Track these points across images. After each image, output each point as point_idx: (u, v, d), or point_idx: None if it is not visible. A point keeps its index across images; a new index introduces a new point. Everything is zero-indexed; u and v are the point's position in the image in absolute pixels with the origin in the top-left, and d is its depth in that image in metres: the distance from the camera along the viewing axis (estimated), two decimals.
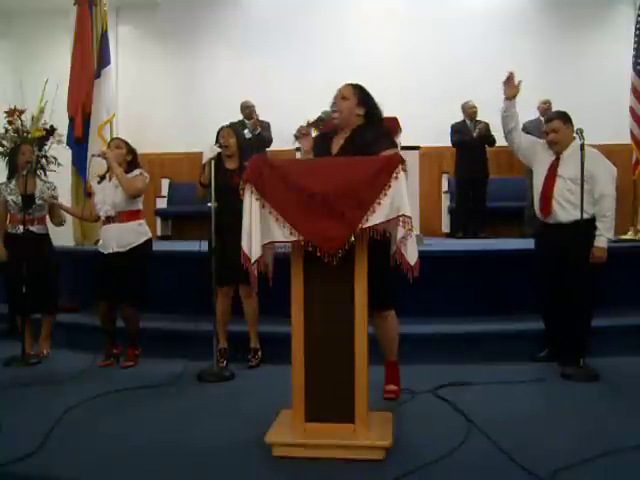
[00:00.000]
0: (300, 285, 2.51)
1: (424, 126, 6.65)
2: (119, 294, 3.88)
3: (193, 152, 7.16)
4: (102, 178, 4.03)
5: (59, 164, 6.03)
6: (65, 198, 4.86)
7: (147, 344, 4.07)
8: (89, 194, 5.40)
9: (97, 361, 3.99)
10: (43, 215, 4.24)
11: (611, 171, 3.63)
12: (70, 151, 6.13)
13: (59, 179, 4.53)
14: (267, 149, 6.68)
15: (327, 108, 3.03)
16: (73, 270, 4.86)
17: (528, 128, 6.54)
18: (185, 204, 7.36)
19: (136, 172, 3.98)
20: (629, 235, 5.43)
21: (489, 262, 4.53)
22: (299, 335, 2.51)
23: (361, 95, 2.98)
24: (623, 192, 6.07)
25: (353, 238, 2.38)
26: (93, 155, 4.03)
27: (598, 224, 3.54)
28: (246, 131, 6.48)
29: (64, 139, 6.13)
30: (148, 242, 4.02)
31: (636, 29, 5.66)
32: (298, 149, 5.03)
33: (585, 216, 3.49)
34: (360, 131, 2.93)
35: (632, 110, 5.59)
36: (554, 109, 3.86)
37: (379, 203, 2.38)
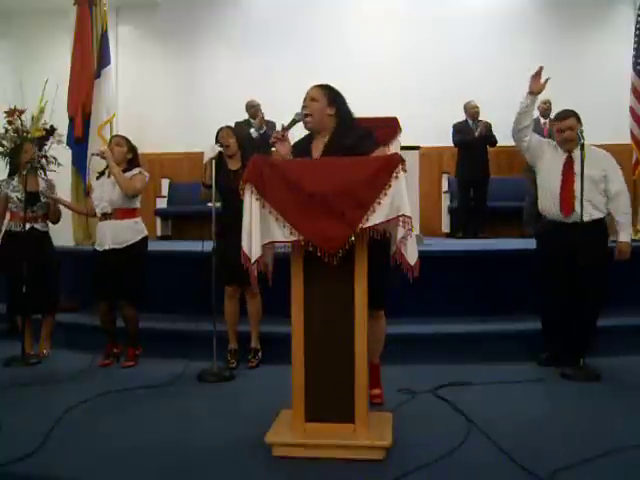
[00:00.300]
0: (300, 285, 2.51)
1: (424, 126, 6.64)
2: (117, 292, 3.88)
3: (193, 152, 7.17)
4: (101, 174, 4.02)
5: (59, 164, 6.02)
6: (65, 198, 4.84)
7: (147, 344, 4.07)
8: (88, 193, 5.41)
9: (97, 361, 3.99)
10: (45, 213, 4.24)
11: (620, 169, 3.68)
12: (70, 151, 6.12)
13: (59, 179, 4.53)
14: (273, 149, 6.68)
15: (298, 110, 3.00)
16: (73, 270, 4.86)
17: None
18: (185, 204, 7.36)
19: (135, 171, 3.98)
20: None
21: (489, 262, 4.53)
22: (299, 335, 2.51)
23: (330, 95, 2.94)
24: None
25: (353, 238, 2.38)
26: (93, 154, 4.03)
27: (620, 220, 3.60)
28: (252, 130, 6.48)
29: (64, 139, 6.12)
30: (144, 240, 4.01)
31: (636, 29, 5.66)
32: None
33: (600, 215, 3.57)
34: (339, 135, 2.87)
35: (632, 110, 5.59)
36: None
37: (379, 203, 2.38)
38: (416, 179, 5.37)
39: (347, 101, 2.99)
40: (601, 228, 3.63)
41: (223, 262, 3.65)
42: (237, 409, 3.10)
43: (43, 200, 4.19)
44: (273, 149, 2.97)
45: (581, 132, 3.51)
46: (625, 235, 3.61)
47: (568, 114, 3.71)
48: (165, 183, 8.05)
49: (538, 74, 3.61)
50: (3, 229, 4.29)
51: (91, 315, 4.19)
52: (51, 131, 6.09)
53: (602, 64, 7.22)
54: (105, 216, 3.91)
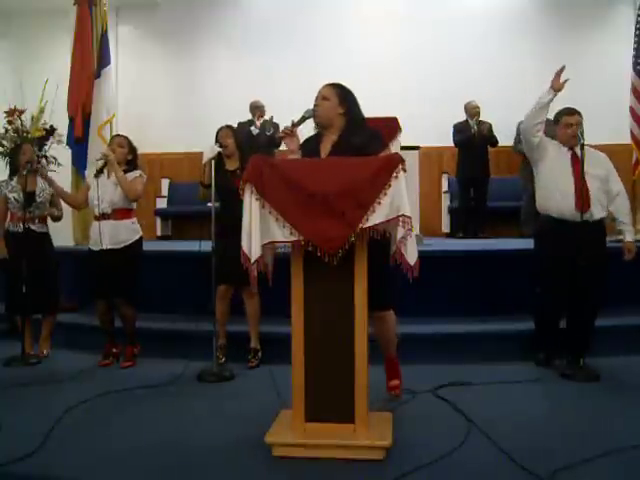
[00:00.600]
0: (300, 285, 2.51)
1: (424, 126, 6.64)
2: (114, 291, 3.89)
3: (193, 152, 7.17)
4: (99, 172, 4.00)
5: (59, 164, 6.03)
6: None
7: (147, 344, 4.08)
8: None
9: (97, 361, 3.99)
10: (44, 214, 4.24)
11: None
12: (70, 151, 6.13)
13: (59, 179, 4.52)
14: (277, 149, 6.70)
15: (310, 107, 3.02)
16: (72, 270, 4.86)
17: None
18: (185, 204, 7.36)
19: (136, 173, 3.99)
20: None
21: (489, 262, 4.53)
22: (299, 335, 2.51)
23: (342, 94, 2.96)
24: None
25: (353, 238, 2.38)
26: (97, 159, 4.01)
27: (625, 219, 3.65)
28: (252, 127, 6.49)
29: (64, 139, 6.13)
30: (140, 241, 4.03)
31: (636, 29, 5.66)
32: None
33: (604, 214, 3.61)
34: (348, 134, 2.90)
35: (632, 110, 5.59)
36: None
37: (379, 203, 2.38)
38: (416, 179, 5.37)
39: (358, 101, 3.01)
40: (603, 227, 3.66)
41: (220, 261, 3.65)
42: (237, 409, 3.09)
43: (39, 200, 4.19)
44: (283, 146, 2.97)
45: (581, 132, 3.51)
46: (631, 234, 3.67)
47: (575, 110, 3.71)
48: (165, 183, 8.05)
49: (560, 72, 3.58)
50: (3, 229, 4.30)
51: (91, 315, 4.19)
52: (51, 131, 6.10)
53: (602, 64, 7.22)
54: (103, 216, 3.91)
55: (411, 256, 2.48)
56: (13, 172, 4.32)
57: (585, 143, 3.51)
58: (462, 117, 6.95)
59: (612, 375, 3.48)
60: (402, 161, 2.43)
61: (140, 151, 4.24)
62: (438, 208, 7.41)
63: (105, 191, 3.91)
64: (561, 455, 2.37)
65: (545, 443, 2.52)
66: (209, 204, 3.77)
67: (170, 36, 8.21)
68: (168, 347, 4.10)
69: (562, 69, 3.58)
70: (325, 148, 2.93)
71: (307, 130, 3.07)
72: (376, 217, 2.37)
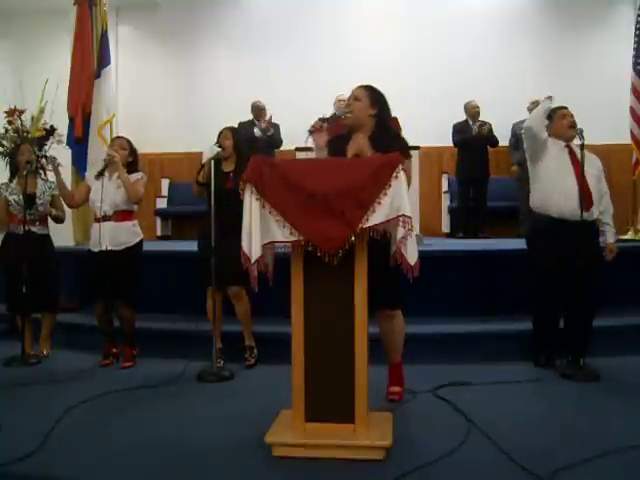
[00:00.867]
0: (300, 285, 2.51)
1: (424, 126, 6.64)
2: (113, 293, 3.89)
3: (193, 152, 7.18)
4: (100, 174, 4.01)
5: (59, 164, 6.02)
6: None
7: (147, 344, 4.08)
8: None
9: (97, 361, 3.99)
10: (44, 215, 4.24)
11: None
12: (70, 151, 6.13)
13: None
14: (277, 150, 6.71)
15: (332, 106, 3.05)
16: (72, 270, 4.85)
17: (517, 127, 6.55)
18: (185, 204, 7.35)
19: (138, 175, 3.99)
20: (629, 235, 5.44)
21: (489, 262, 4.53)
22: (299, 335, 2.51)
23: (373, 96, 3.01)
24: (623, 192, 6.08)
25: (353, 238, 2.38)
26: (103, 159, 4.00)
27: (609, 221, 3.70)
28: (256, 129, 6.49)
29: (64, 139, 6.13)
30: (140, 243, 4.03)
31: (636, 29, 5.67)
32: (300, 149, 5.04)
33: (596, 214, 3.63)
34: (376, 136, 2.93)
35: (632, 110, 5.59)
36: (567, 107, 3.83)
37: (379, 203, 2.38)
38: (416, 179, 5.37)
39: (388, 103, 3.04)
40: (597, 227, 3.68)
41: (205, 263, 3.66)
42: (237, 409, 3.09)
43: (39, 202, 4.19)
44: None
45: (581, 132, 3.51)
46: (613, 236, 3.74)
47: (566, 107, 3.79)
48: (165, 183, 8.06)
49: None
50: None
51: (91, 315, 4.19)
52: (51, 131, 6.10)
53: (602, 64, 7.23)
54: (104, 218, 3.91)
55: (411, 256, 2.48)
56: (13, 174, 4.33)
57: (585, 143, 3.51)
58: (462, 117, 6.96)
59: (612, 375, 3.48)
60: (403, 160, 2.43)
61: (140, 151, 4.24)
62: (438, 208, 7.41)
63: (107, 193, 3.90)
64: (561, 455, 2.37)
65: (545, 443, 2.52)
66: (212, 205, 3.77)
67: (170, 36, 8.21)
68: (168, 347, 4.10)
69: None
70: (351, 150, 2.96)
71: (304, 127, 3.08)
72: (376, 217, 2.38)
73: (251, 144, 5.85)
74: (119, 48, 8.13)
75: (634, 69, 5.59)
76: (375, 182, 2.39)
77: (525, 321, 3.85)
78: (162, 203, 7.91)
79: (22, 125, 6.20)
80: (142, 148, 4.35)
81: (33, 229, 4.16)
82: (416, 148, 5.43)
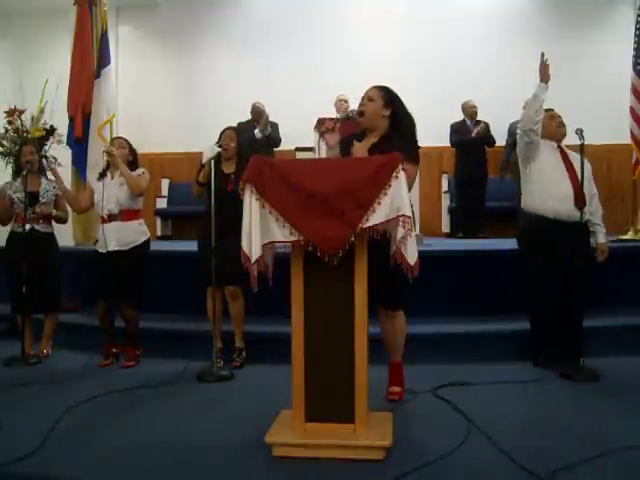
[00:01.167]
0: (300, 285, 2.51)
1: (424, 126, 6.57)
2: (119, 293, 3.88)
3: (193, 152, 7.16)
4: (102, 175, 4.02)
5: (59, 164, 6.03)
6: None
7: (147, 344, 4.08)
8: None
9: (97, 361, 3.99)
10: (48, 214, 4.24)
11: None
12: (70, 151, 6.13)
13: None
14: (275, 149, 6.70)
15: (331, 107, 3.06)
16: (73, 270, 4.86)
17: (513, 127, 6.54)
18: (185, 204, 7.36)
19: (139, 171, 4.01)
20: (629, 235, 5.44)
21: (489, 262, 4.53)
22: (299, 335, 2.51)
23: (387, 97, 3.00)
24: (623, 192, 6.08)
25: (353, 238, 2.38)
26: (103, 151, 4.01)
27: (599, 221, 3.71)
28: (256, 131, 6.49)
29: (64, 139, 6.14)
30: (147, 242, 4.03)
31: (636, 29, 5.66)
32: (300, 149, 5.06)
33: (588, 215, 3.62)
34: (388, 139, 2.93)
35: (632, 110, 5.59)
36: (555, 109, 3.86)
37: (379, 203, 2.38)
38: (416, 179, 5.35)
39: (404, 104, 3.03)
40: (588, 228, 3.69)
41: (205, 263, 3.66)
42: (237, 409, 3.09)
43: (42, 201, 4.20)
44: (281, 146, 3.00)
45: (581, 132, 3.51)
46: (604, 236, 3.75)
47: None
48: (165, 183, 8.06)
49: (546, 64, 3.71)
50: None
51: (91, 315, 4.19)
52: (51, 131, 6.11)
53: (602, 64, 7.23)
54: (110, 218, 3.91)
55: (411, 256, 2.48)
56: (17, 173, 4.37)
57: (585, 143, 3.51)
58: (461, 117, 6.95)
59: (611, 375, 3.48)
60: (402, 161, 2.43)
61: (140, 151, 4.24)
62: (438, 208, 7.41)
63: (111, 192, 3.90)
64: (561, 455, 2.37)
65: (545, 443, 2.52)
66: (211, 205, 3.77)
67: (170, 36, 8.21)
68: (168, 347, 4.10)
69: (543, 55, 3.68)
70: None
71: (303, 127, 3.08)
72: (376, 217, 2.37)
73: (251, 145, 5.84)
74: (119, 48, 8.13)
75: (634, 69, 5.59)
76: (375, 182, 2.39)
77: (524, 321, 3.85)
78: (162, 203, 7.92)
79: (22, 125, 6.22)
80: (142, 148, 4.36)
81: (37, 227, 4.17)
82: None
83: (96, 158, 4.12)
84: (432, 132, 6.84)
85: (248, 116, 6.81)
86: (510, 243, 5.15)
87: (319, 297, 2.50)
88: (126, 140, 4.12)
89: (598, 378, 3.44)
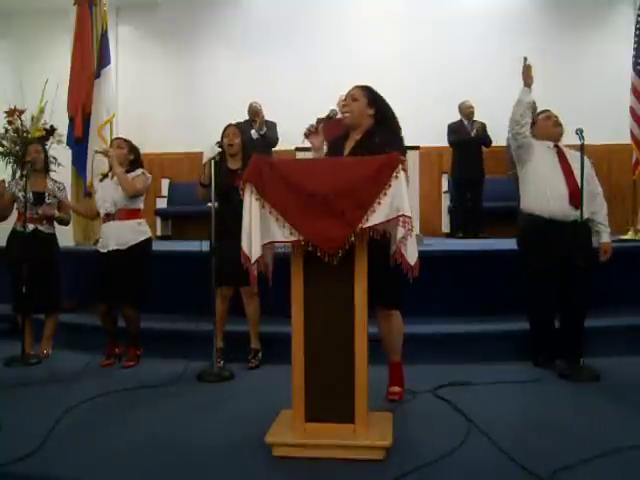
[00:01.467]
0: (300, 285, 2.51)
1: (424, 126, 6.64)
2: (118, 294, 3.88)
3: (193, 152, 7.18)
4: (104, 176, 4.04)
5: (59, 164, 6.03)
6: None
7: (147, 344, 4.07)
8: (89, 194, 5.42)
9: (97, 361, 3.99)
10: (51, 214, 4.23)
11: None
12: (70, 151, 6.13)
13: (59, 179, 4.54)
14: (273, 149, 6.70)
15: (333, 106, 3.06)
16: (72, 270, 4.86)
17: None
18: (185, 204, 7.37)
19: (138, 172, 4.00)
20: (629, 235, 5.44)
21: (489, 262, 4.53)
22: (299, 335, 2.51)
23: (370, 96, 3.02)
24: (623, 192, 6.08)
25: (353, 238, 2.38)
26: (96, 151, 4.03)
27: (604, 221, 3.69)
28: (253, 131, 6.49)
29: (64, 139, 6.14)
30: (147, 241, 4.02)
31: (636, 29, 5.66)
32: (300, 149, 5.04)
33: (588, 214, 3.61)
34: (371, 133, 2.95)
35: (632, 110, 5.59)
36: (555, 109, 3.86)
37: (379, 203, 2.38)
38: (416, 179, 5.37)
39: (387, 102, 3.06)
40: (589, 228, 3.67)
41: (219, 262, 3.65)
42: (237, 409, 3.09)
43: (48, 201, 4.20)
44: (306, 141, 3.00)
45: (581, 132, 3.51)
46: (608, 235, 3.73)
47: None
48: (165, 183, 8.07)
49: (528, 67, 3.67)
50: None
51: (91, 315, 4.19)
52: (51, 131, 6.11)
53: (602, 64, 7.23)
54: (108, 217, 3.92)
55: (411, 256, 2.48)
56: (21, 172, 4.39)
57: (585, 143, 3.51)
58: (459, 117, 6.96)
59: (611, 375, 3.48)
60: (402, 161, 2.43)
61: (140, 151, 4.24)
62: (438, 208, 7.41)
63: (108, 191, 3.92)
64: (561, 455, 2.37)
65: (545, 443, 2.52)
66: (209, 204, 3.77)
67: (170, 36, 8.21)
68: (168, 347, 4.10)
69: (527, 63, 3.66)
70: (348, 147, 2.99)
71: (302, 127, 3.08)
72: (376, 217, 2.37)
73: (249, 145, 5.84)
74: (119, 48, 8.14)
75: (634, 69, 5.59)
76: (375, 182, 2.39)
77: (524, 321, 3.85)
78: (162, 203, 7.93)
79: (22, 125, 6.22)
80: (142, 148, 4.35)
81: (40, 227, 4.17)
82: (416, 148, 5.44)
83: (94, 151, 4.12)
84: (432, 132, 6.88)
85: (247, 116, 6.81)
86: (510, 243, 5.15)
87: (319, 297, 2.50)
88: (126, 140, 4.11)
89: (598, 378, 3.44)
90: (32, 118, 6.27)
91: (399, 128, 3.09)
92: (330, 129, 3.21)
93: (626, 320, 4.14)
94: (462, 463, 2.34)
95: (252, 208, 2.46)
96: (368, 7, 7.82)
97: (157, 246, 4.44)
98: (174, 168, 8.04)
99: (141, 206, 4.04)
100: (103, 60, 6.20)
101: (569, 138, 3.79)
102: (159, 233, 7.75)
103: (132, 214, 3.95)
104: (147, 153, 6.60)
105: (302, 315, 2.50)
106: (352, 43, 7.65)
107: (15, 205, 4.25)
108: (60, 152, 6.11)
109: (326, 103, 6.23)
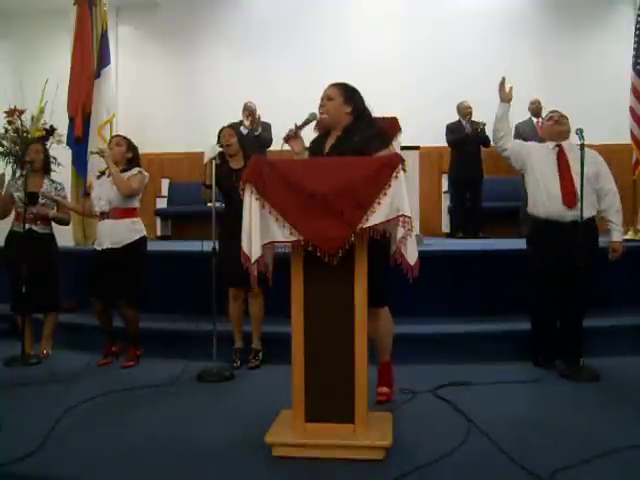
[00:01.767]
0: (300, 285, 2.51)
1: (424, 126, 6.65)
2: (113, 291, 3.88)
3: (193, 152, 7.17)
4: (102, 174, 4.03)
5: (59, 164, 6.03)
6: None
7: (147, 344, 4.07)
8: (87, 194, 5.42)
9: (97, 361, 3.99)
10: (45, 215, 4.23)
11: (609, 168, 3.73)
12: (70, 151, 6.13)
13: (59, 179, 4.54)
14: (267, 149, 6.69)
15: (314, 110, 3.04)
16: (71, 270, 4.85)
17: (521, 129, 6.55)
18: (185, 204, 7.37)
19: (134, 171, 3.99)
20: (629, 235, 5.43)
21: (489, 262, 4.53)
22: (299, 335, 2.51)
23: (346, 93, 2.98)
24: (623, 192, 6.06)
25: (353, 238, 2.38)
26: (92, 152, 4.03)
27: (614, 218, 3.65)
28: (242, 128, 6.50)
29: (64, 139, 6.14)
30: (142, 240, 4.01)
31: (636, 29, 5.66)
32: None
33: (594, 213, 3.60)
34: (350, 131, 2.93)
35: (632, 110, 5.59)
36: (555, 109, 3.86)
37: (379, 203, 2.38)
38: (416, 179, 5.37)
39: (363, 98, 3.02)
40: (594, 227, 3.65)
41: (227, 263, 3.64)
42: (237, 409, 3.10)
43: (42, 201, 4.19)
44: (286, 146, 3.00)
45: (581, 132, 3.50)
46: (619, 234, 3.68)
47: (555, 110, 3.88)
48: (165, 183, 8.06)
49: (502, 84, 3.77)
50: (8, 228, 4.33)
51: (91, 315, 4.19)
52: (51, 131, 6.11)
53: (602, 64, 7.22)
54: (103, 215, 3.92)
55: (411, 256, 2.48)
56: (20, 172, 4.40)
57: (585, 143, 3.51)
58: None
59: (612, 375, 3.48)
60: (402, 161, 2.43)
61: (140, 151, 4.23)
62: (438, 208, 7.41)
63: (103, 190, 3.92)
64: (561, 455, 2.37)
65: (545, 443, 2.52)
66: (209, 204, 3.77)
67: (170, 36, 8.21)
68: (168, 347, 4.10)
69: (503, 80, 3.76)
70: (328, 146, 2.97)
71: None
72: (376, 217, 2.38)
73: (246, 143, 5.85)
74: (119, 48, 8.13)
75: (634, 69, 5.59)
76: (375, 182, 2.39)
77: (524, 321, 3.85)
78: (162, 203, 7.92)
79: (22, 125, 6.21)
80: (142, 148, 4.35)
81: (34, 228, 4.16)
82: (416, 148, 5.45)
83: (90, 153, 4.12)
84: (432, 132, 6.88)
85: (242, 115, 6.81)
86: (510, 243, 5.15)
87: (319, 297, 2.50)
88: (125, 138, 4.10)
89: (598, 378, 3.44)
90: (32, 118, 6.27)
91: (399, 129, 3.08)
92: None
93: (628, 320, 4.14)
94: (462, 463, 2.34)
95: (252, 208, 2.46)
96: (368, 7, 7.82)
97: (157, 246, 4.46)
98: (174, 168, 8.04)
99: (137, 205, 4.03)
100: (103, 60, 6.20)
101: (569, 138, 3.78)
102: (159, 233, 7.75)
103: (127, 213, 3.95)
104: (147, 153, 6.62)
105: (302, 315, 2.50)
106: (352, 43, 7.64)
107: (13, 205, 4.25)
108: (60, 152, 6.10)
109: None
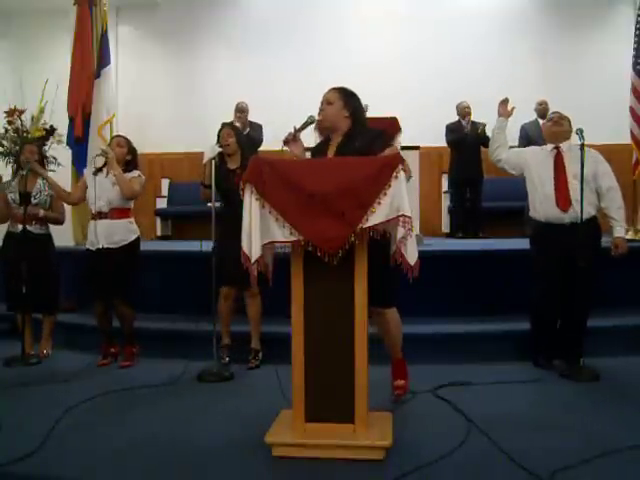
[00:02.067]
0: (300, 285, 2.51)
1: (424, 126, 6.65)
2: (111, 291, 3.88)
3: (193, 152, 7.17)
4: (98, 170, 3.98)
5: (59, 164, 6.03)
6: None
7: (147, 344, 4.08)
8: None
9: (97, 361, 3.99)
10: (35, 214, 4.18)
11: (609, 166, 3.72)
12: (70, 151, 6.13)
13: (59, 179, 4.53)
14: (258, 150, 6.70)
15: (313, 112, 3.05)
16: (70, 270, 4.85)
17: (527, 130, 6.54)
18: (185, 204, 7.37)
19: (134, 174, 4.00)
20: (629, 235, 5.42)
21: (489, 262, 4.53)
22: (299, 335, 2.51)
23: (345, 98, 2.99)
24: (623, 192, 6.05)
25: (353, 238, 2.38)
26: (96, 155, 4.01)
27: (616, 215, 3.62)
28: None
29: (64, 139, 6.14)
30: (137, 240, 4.02)
31: (636, 29, 5.67)
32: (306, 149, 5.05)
33: (593, 213, 3.59)
34: (351, 136, 2.93)
35: (632, 110, 5.59)
36: (555, 109, 3.87)
37: (379, 203, 2.38)
38: (416, 179, 5.37)
39: (361, 102, 3.05)
40: (595, 227, 3.64)
41: (223, 262, 3.65)
42: (237, 409, 3.10)
43: (34, 201, 4.18)
44: (285, 148, 3.00)
45: (581, 132, 3.50)
46: (621, 230, 3.64)
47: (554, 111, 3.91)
48: (165, 183, 8.06)
49: (505, 101, 3.82)
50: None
51: (90, 315, 4.19)
52: (51, 131, 6.11)
53: (602, 64, 7.22)
54: (99, 215, 3.91)
55: (411, 256, 2.48)
56: (16, 172, 4.39)
57: (585, 143, 3.51)
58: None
59: (612, 375, 3.48)
60: (403, 161, 2.43)
61: (140, 151, 4.24)
62: (438, 208, 7.41)
63: (103, 190, 3.90)
64: (561, 455, 2.37)
65: (545, 443, 2.52)
66: (209, 204, 3.77)
67: (170, 36, 8.21)
68: (168, 347, 4.10)
69: (506, 99, 3.82)
70: (331, 151, 2.96)
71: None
72: (376, 217, 2.38)
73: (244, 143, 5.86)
74: (119, 48, 8.13)
75: (634, 69, 5.59)
76: (375, 182, 2.39)
77: (524, 321, 3.85)
78: (162, 203, 7.91)
79: (22, 125, 6.22)
80: (142, 148, 4.37)
81: (30, 228, 4.15)
82: (416, 148, 5.44)
83: (95, 156, 4.09)
84: (432, 132, 6.88)
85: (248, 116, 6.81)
86: (510, 243, 5.15)
87: (319, 297, 2.50)
88: (125, 139, 4.10)
89: (598, 378, 3.44)
90: (32, 118, 6.27)
91: (399, 129, 3.09)
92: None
93: (628, 320, 4.13)
94: (462, 463, 2.34)
95: (252, 208, 2.46)
96: (368, 7, 7.81)
97: (157, 246, 4.46)
98: (174, 168, 8.03)
99: (132, 205, 4.04)
100: (103, 60, 6.20)
101: (570, 138, 3.78)
102: (159, 233, 7.75)
103: (123, 213, 3.96)
104: (147, 153, 6.66)
105: (302, 315, 2.50)
106: (352, 43, 7.64)
107: (10, 206, 4.24)
108: (60, 152, 6.11)
109: None
